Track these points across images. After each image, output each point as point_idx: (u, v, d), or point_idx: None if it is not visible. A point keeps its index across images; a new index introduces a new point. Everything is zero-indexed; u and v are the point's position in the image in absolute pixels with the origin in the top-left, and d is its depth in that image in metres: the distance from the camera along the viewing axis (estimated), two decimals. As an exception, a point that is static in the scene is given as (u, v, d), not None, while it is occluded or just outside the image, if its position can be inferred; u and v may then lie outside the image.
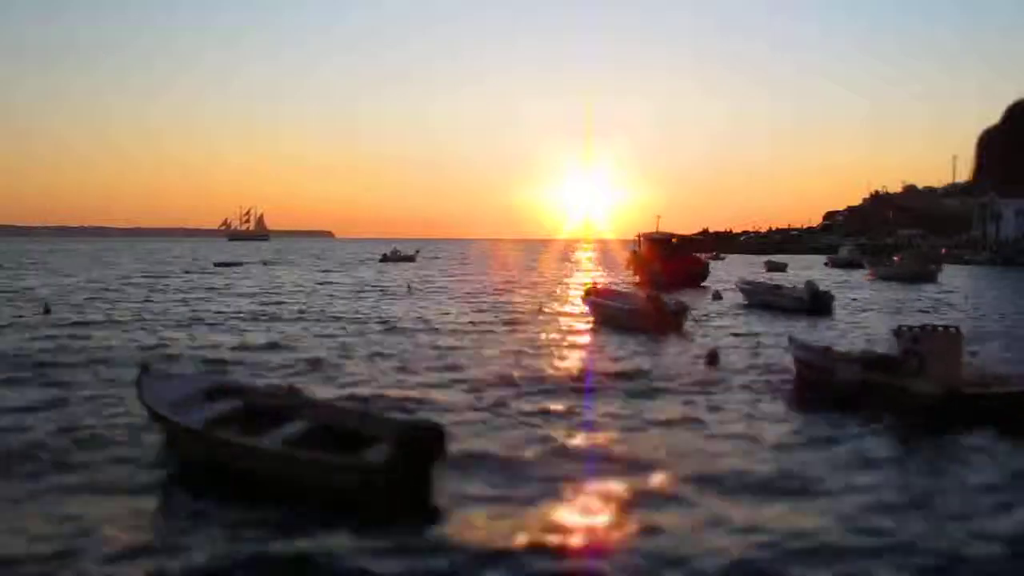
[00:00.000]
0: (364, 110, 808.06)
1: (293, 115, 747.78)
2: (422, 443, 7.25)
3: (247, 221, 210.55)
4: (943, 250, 72.31)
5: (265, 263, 66.03)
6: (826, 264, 65.83)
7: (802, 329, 21.20)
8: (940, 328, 11.68)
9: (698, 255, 43.90)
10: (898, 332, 11.79)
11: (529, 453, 8.90)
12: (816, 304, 26.00)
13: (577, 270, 58.90)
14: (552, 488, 7.69)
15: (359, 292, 34.61)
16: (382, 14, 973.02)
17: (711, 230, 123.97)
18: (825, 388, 12.23)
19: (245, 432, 7.99)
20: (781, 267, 57.53)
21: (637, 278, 40.39)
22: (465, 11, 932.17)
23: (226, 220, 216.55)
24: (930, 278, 44.99)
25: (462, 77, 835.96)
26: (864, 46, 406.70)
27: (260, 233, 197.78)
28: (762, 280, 35.07)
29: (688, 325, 20.98)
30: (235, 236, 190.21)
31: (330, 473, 7.24)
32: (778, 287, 30.14)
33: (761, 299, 28.45)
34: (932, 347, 11.16)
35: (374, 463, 7.21)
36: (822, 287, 28.17)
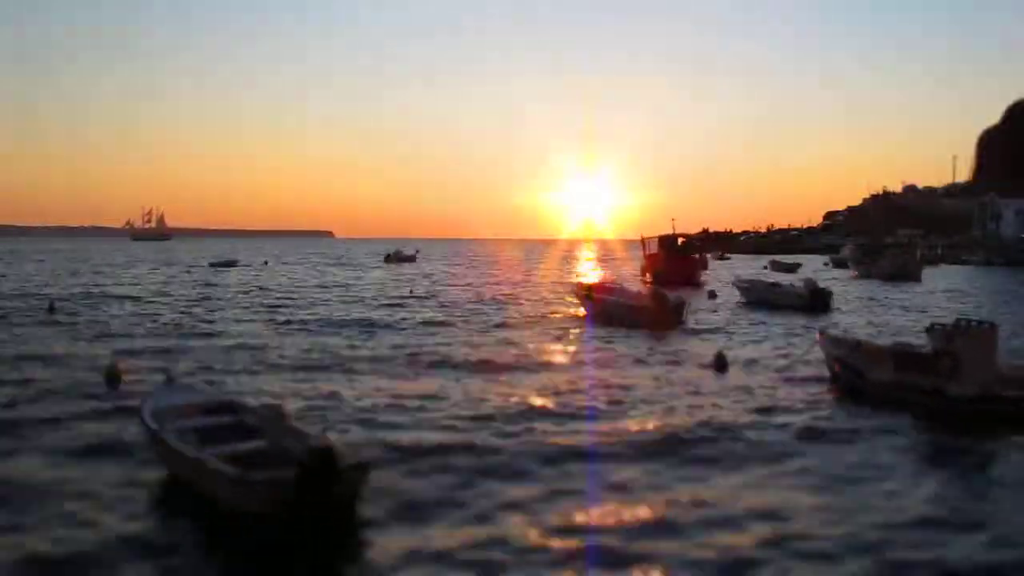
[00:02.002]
0: (367, 111, 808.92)
1: (294, 114, 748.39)
2: (317, 471, 6.73)
3: (148, 220, 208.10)
4: (938, 249, 72.21)
5: (267, 263, 65.85)
6: (825, 264, 65.87)
7: (802, 326, 21.35)
8: (974, 323, 11.18)
9: (697, 255, 44.47)
10: (931, 330, 11.29)
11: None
12: (816, 301, 26.18)
13: (581, 269, 59.05)
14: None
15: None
16: (387, 16, 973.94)
17: (711, 230, 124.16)
18: (860, 387, 11.71)
19: (203, 445, 7.89)
20: (792, 268, 56.34)
21: (647, 276, 41.19)
22: (470, 14, 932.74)
23: (128, 220, 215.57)
24: (912, 277, 45.05)
25: (466, 79, 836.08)
26: (864, 46, 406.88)
27: (162, 233, 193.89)
28: (759, 278, 35.21)
29: (688, 320, 21.07)
30: (138, 236, 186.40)
31: (226, 486, 6.99)
32: (777, 284, 30.36)
33: (759, 296, 28.57)
34: (967, 346, 10.64)
35: (246, 477, 6.86)
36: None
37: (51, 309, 24.36)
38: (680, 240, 44.78)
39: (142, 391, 10.62)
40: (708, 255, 49.30)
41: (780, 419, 10.45)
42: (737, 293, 30.37)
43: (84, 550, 6.32)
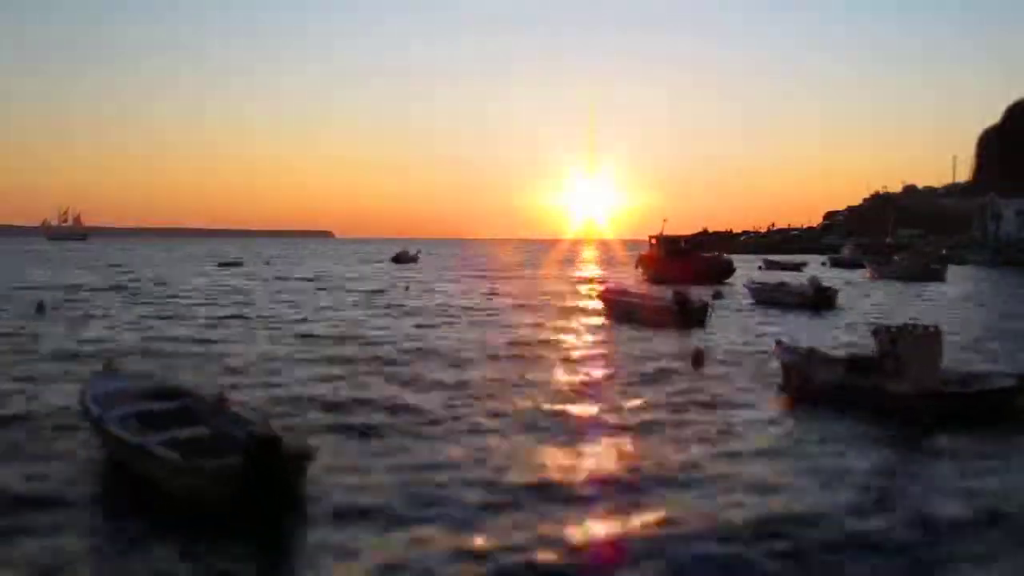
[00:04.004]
0: (367, 110, 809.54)
1: (294, 114, 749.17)
2: (257, 456, 6.79)
3: (65, 220, 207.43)
4: (943, 250, 72.26)
5: (267, 263, 65.96)
6: (824, 264, 65.76)
7: (805, 324, 21.58)
8: (920, 327, 11.53)
9: (713, 254, 44.65)
10: (876, 332, 11.65)
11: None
12: (820, 299, 26.38)
13: (586, 270, 59.34)
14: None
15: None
16: (387, 15, 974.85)
17: (711, 230, 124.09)
18: (809, 390, 12.03)
19: (144, 431, 7.91)
20: (796, 267, 54.57)
21: (644, 275, 41.20)
22: (470, 15, 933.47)
23: (45, 220, 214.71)
24: (938, 277, 43.41)
25: (467, 79, 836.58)
26: (864, 46, 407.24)
27: (78, 232, 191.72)
28: (767, 279, 35.32)
29: (711, 321, 21.19)
30: (55, 236, 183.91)
31: (170, 473, 7.05)
32: (783, 284, 30.55)
33: (767, 296, 28.78)
34: (909, 347, 10.98)
35: (191, 465, 6.89)
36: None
37: (40, 310, 23.11)
38: (683, 241, 44.75)
39: None
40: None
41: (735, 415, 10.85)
42: (747, 292, 30.55)
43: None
